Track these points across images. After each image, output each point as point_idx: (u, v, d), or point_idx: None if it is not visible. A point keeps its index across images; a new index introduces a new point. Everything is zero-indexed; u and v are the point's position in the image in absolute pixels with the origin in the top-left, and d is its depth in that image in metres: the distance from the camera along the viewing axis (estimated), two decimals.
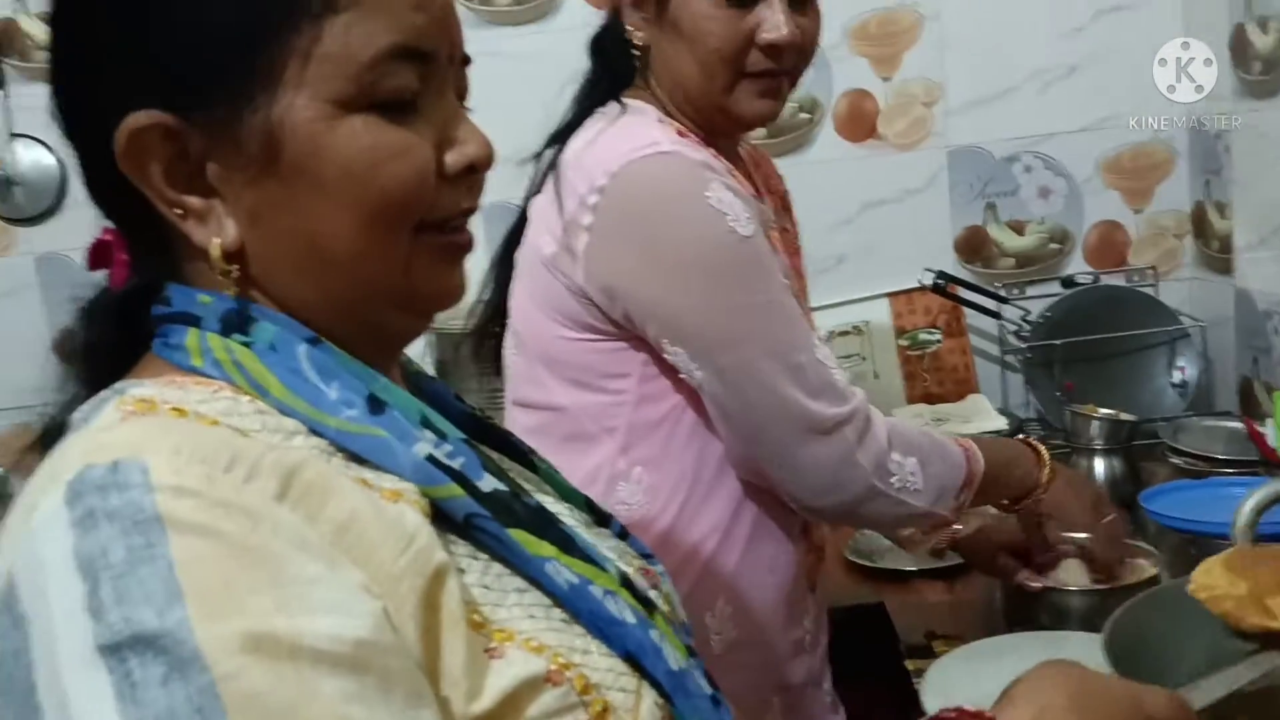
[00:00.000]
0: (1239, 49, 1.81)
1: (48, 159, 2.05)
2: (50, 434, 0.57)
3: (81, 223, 0.61)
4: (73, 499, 0.47)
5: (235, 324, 0.56)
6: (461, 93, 0.60)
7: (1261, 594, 0.86)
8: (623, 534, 0.71)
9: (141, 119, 0.54)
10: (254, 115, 0.54)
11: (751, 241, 1.03)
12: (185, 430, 0.52)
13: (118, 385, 0.56)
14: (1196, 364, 1.97)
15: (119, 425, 0.52)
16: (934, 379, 2.12)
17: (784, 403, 1.03)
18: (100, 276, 0.60)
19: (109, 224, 0.60)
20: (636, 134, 1.06)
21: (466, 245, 0.60)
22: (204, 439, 0.51)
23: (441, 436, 0.58)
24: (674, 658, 0.59)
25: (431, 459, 0.55)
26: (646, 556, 0.71)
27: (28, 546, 0.47)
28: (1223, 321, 1.96)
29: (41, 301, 2.09)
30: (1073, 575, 1.21)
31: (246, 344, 0.55)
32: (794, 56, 1.10)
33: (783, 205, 1.29)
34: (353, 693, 0.45)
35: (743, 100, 1.10)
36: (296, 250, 0.56)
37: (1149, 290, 2.06)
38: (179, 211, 0.56)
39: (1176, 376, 1.98)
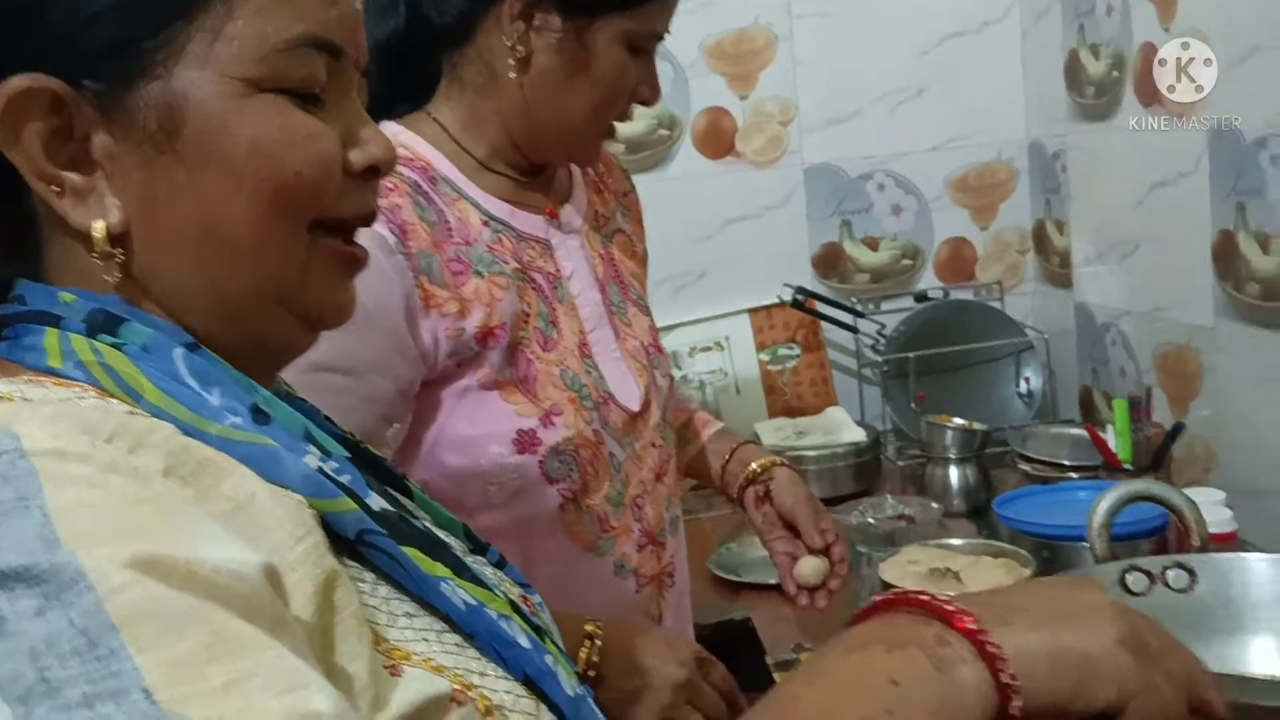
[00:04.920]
0: (1072, 74, 1.89)
1: None
2: None
3: None
4: None
5: (102, 325, 0.51)
6: (362, 103, 0.59)
7: None
8: (500, 563, 0.69)
9: (24, 82, 0.49)
10: (151, 86, 0.50)
11: (365, 311, 0.96)
12: (58, 406, 0.46)
13: None
14: (1041, 374, 2.05)
15: None
16: (794, 393, 2.14)
17: None
18: None
19: None
20: None
21: (362, 259, 0.58)
22: (83, 412, 0.46)
23: (326, 453, 0.54)
24: (569, 684, 0.57)
25: (321, 472, 0.51)
26: (523, 585, 0.68)
27: None
28: (1064, 333, 2.04)
29: None
30: (809, 569, 1.15)
31: (116, 345, 0.50)
32: None
33: (625, 205, 1.25)
34: None
35: (597, 148, 1.08)
36: (189, 237, 0.52)
37: (995, 304, 2.14)
38: (56, 189, 0.50)
39: (1023, 386, 2.06)
